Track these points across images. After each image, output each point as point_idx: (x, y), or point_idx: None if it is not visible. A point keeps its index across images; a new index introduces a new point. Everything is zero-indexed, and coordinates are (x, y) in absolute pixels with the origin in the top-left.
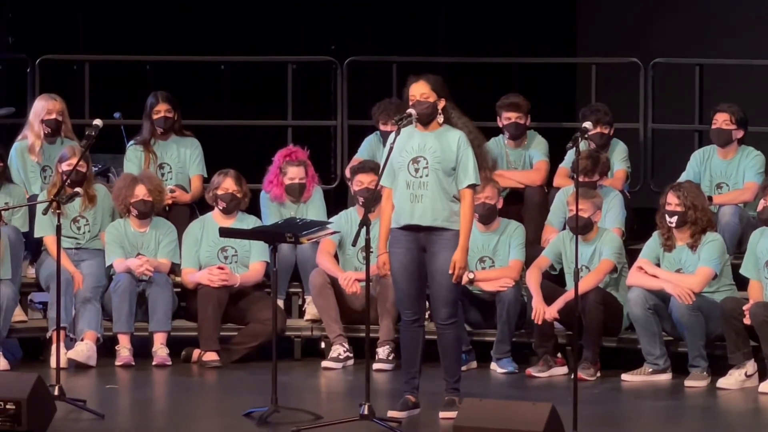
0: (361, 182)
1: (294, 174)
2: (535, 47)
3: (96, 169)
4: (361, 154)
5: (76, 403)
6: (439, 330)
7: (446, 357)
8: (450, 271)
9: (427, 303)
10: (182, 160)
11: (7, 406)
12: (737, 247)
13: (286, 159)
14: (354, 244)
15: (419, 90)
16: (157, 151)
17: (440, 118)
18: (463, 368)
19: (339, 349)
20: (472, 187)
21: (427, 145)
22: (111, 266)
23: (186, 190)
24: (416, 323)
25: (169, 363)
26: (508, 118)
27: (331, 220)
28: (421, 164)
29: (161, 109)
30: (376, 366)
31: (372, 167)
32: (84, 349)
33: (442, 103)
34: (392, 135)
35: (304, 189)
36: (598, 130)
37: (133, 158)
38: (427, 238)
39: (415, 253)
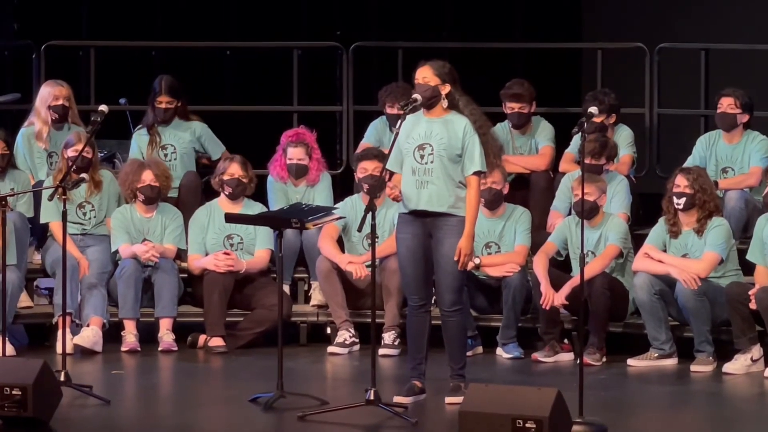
0: (365, 169)
1: (293, 154)
2: (541, 32)
3: (102, 155)
4: (368, 139)
5: (82, 389)
6: (444, 317)
7: (451, 344)
8: (455, 258)
9: (433, 289)
10: (186, 141)
11: (13, 392)
12: (743, 232)
13: (289, 139)
14: (360, 230)
15: (422, 74)
16: (161, 132)
17: (444, 103)
18: (469, 353)
19: (345, 335)
20: (479, 173)
21: (433, 132)
22: (117, 252)
23: (193, 171)
24: (422, 309)
25: (175, 349)
26: (511, 108)
27: (336, 206)
28: (427, 151)
29: (162, 101)
30: (381, 351)
31: (376, 154)
32: (90, 335)
33: (446, 89)
34: (399, 120)
35: (304, 170)
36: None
37: (139, 143)
38: (433, 223)
39: (421, 238)
